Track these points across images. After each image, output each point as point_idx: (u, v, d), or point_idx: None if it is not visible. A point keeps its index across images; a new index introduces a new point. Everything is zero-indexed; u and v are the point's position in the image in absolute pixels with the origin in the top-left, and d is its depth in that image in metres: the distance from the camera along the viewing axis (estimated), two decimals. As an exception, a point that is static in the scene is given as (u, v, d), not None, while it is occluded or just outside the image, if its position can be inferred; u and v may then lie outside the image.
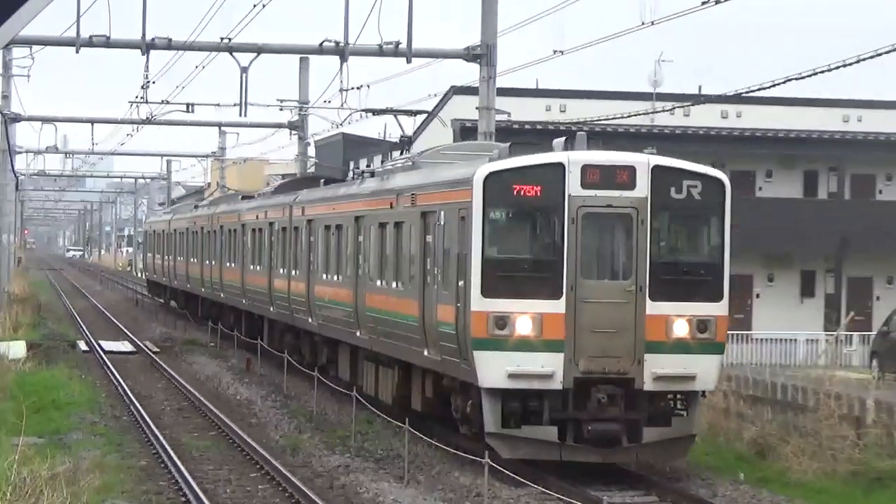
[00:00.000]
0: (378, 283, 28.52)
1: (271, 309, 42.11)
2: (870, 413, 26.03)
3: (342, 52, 38.39)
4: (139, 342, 56.30)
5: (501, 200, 22.30)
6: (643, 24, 35.29)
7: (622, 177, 22.46)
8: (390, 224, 27.88)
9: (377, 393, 30.17)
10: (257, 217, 44.54)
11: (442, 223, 23.72)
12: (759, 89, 35.25)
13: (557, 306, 21.70)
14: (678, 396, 23.07)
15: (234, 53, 41.01)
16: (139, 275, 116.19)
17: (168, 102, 53.59)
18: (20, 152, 60.31)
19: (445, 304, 23.17)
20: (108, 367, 46.82)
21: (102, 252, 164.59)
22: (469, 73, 40.23)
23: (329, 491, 24.25)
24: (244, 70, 41.74)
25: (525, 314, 21.78)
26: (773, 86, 32.41)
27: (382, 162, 53.73)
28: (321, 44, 39.30)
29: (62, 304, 79.10)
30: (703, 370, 22.75)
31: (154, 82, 44.72)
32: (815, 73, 29.41)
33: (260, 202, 46.27)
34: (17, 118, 57.98)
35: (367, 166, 56.00)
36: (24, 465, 20.72)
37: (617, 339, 22.06)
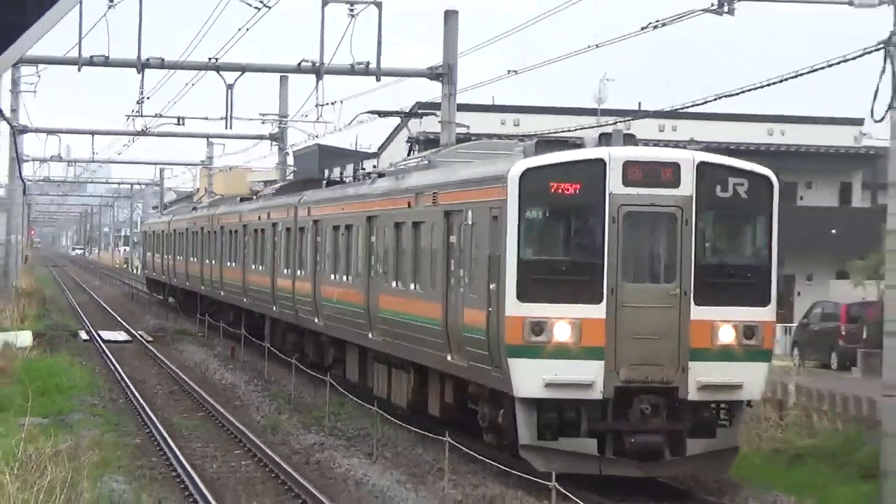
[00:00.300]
0: (393, 284, 26.36)
1: (274, 308, 40.06)
2: (791, 397, 27.39)
3: (318, 71, 39.68)
4: (134, 332, 57.45)
5: (538, 199, 19.91)
6: (589, 46, 36.04)
7: (666, 174, 20.42)
8: (407, 224, 25.71)
9: (390, 395, 27.98)
10: (259, 218, 42.40)
11: (469, 223, 21.41)
12: (692, 105, 35.84)
13: (597, 311, 19.55)
14: (722, 406, 21.09)
15: (221, 72, 42.45)
16: (134, 271, 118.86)
17: (161, 116, 55.46)
18: (27, 160, 63.87)
19: (474, 307, 20.90)
20: (107, 355, 47.73)
21: (102, 251, 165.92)
22: (433, 90, 42.33)
23: (305, 466, 24.99)
24: (230, 87, 43.31)
25: (563, 319, 19.58)
26: (706, 102, 32.43)
27: (355, 171, 51.35)
28: (299, 63, 40.60)
29: (65, 298, 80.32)
30: (750, 378, 20.72)
31: (148, 98, 46.77)
32: (744, 91, 29.99)
33: (262, 203, 44.30)
34: (24, 130, 60.37)
35: (340, 174, 56.45)
36: (29, 443, 21.37)
37: (660, 345, 20.09)
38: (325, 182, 38.70)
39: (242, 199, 52.90)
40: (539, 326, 19.46)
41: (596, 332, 19.46)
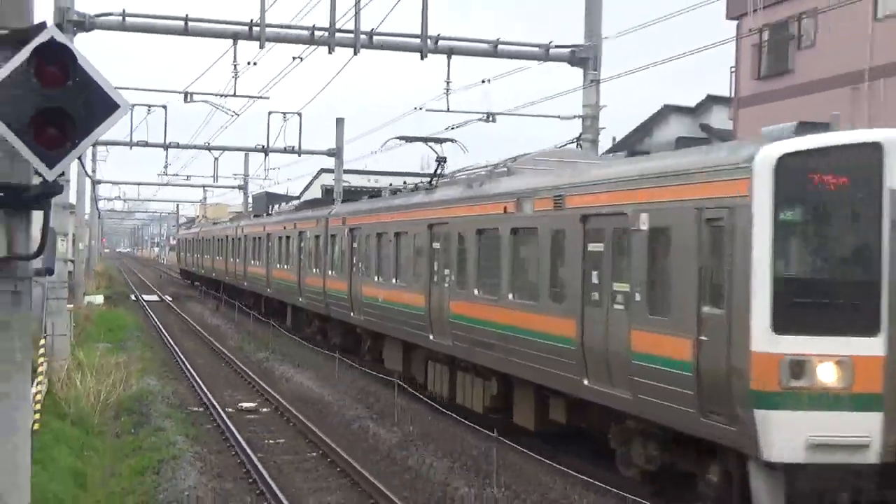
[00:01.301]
0: (475, 291, 20.01)
1: (300, 299, 36.83)
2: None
3: (265, 151, 50.10)
4: (162, 296, 67.85)
5: (796, 195, 12.62)
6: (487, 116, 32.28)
7: None
8: (500, 231, 19.19)
9: (454, 397, 22.12)
10: (284, 227, 40.06)
11: (643, 228, 14.07)
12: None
13: (873, 346, 12.53)
14: None
15: (212, 150, 53.52)
16: (164, 262, 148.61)
17: (177, 175, 71.28)
18: (101, 199, 78.33)
19: (661, 332, 13.87)
20: (146, 309, 55.72)
21: (143, 251, 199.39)
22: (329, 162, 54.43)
23: (258, 369, 30.52)
24: (216, 159, 57.66)
25: (829, 357, 12.52)
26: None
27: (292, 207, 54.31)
28: (255, 147, 51.28)
29: (122, 277, 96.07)
30: None
31: (170, 164, 61.41)
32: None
33: (284, 217, 42.80)
34: (99, 181, 77.84)
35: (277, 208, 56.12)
36: (102, 358, 25.46)
37: None
38: (366, 196, 35.51)
39: (256, 216, 55.43)
40: (800, 367, 12.44)
41: (872, 373, 12.46)
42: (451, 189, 23.47)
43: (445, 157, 26.55)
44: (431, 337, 22.35)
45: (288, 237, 38.89)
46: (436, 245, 22.75)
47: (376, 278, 26.91)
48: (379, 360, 27.93)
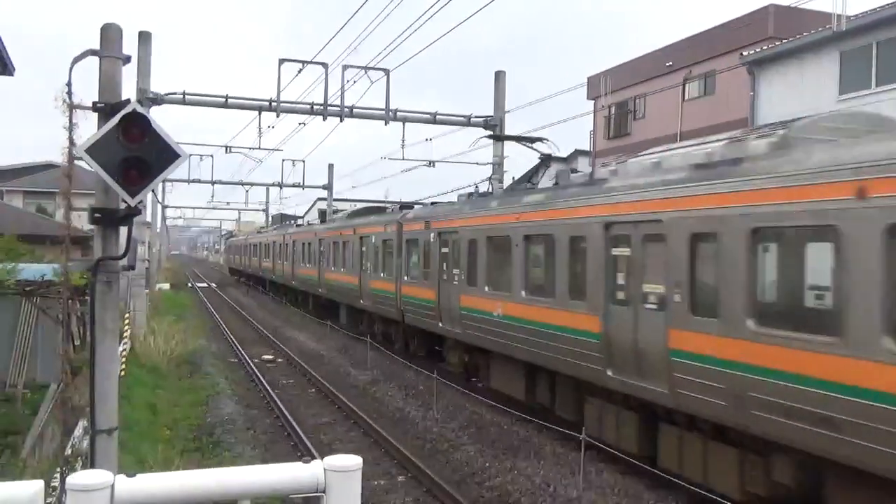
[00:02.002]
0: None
1: (362, 301, 25.36)
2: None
3: (280, 185, 46.49)
4: (209, 283, 67.81)
5: None
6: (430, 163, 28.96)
7: None
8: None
9: (559, 408, 13.51)
10: (341, 233, 28.81)
11: None
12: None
13: None
14: None
15: (243, 185, 49.86)
16: (210, 261, 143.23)
17: (220, 202, 65.93)
18: (168, 218, 78.41)
19: None
20: (198, 292, 55.23)
21: (197, 254, 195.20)
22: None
23: (273, 333, 29.31)
24: (246, 191, 53.02)
25: None
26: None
27: (295, 223, 49.37)
28: (273, 183, 47.37)
29: (182, 270, 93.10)
30: None
31: (215, 194, 68.28)
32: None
33: (338, 224, 31.03)
34: (167, 206, 72.73)
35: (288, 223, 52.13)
36: (168, 326, 25.44)
37: None
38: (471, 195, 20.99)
39: (298, 225, 46.29)
40: None
41: None
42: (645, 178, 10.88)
43: (550, 155, 18.36)
44: (610, 373, 11.09)
45: (345, 242, 28.44)
46: (624, 251, 11.15)
47: (487, 288, 15.64)
48: (475, 375, 17.51)
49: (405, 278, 21.29)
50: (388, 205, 36.76)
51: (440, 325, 18.51)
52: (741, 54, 26.54)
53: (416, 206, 24.08)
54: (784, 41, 25.11)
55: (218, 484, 2.40)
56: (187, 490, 2.40)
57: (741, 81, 26.84)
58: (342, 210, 37.98)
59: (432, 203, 23.38)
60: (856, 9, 50.40)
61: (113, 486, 2.38)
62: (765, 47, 25.81)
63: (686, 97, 31.42)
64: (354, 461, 2.63)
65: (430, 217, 19.96)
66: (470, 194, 21.01)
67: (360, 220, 28.05)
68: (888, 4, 21.59)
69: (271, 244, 48.15)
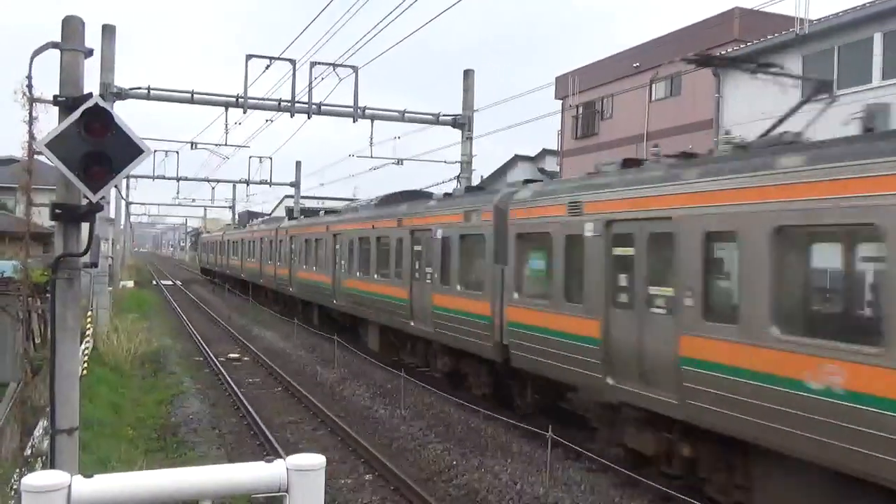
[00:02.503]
0: None
1: (411, 323, 17.44)
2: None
3: (247, 182, 47.37)
4: (174, 281, 65.87)
5: None
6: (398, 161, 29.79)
7: None
8: None
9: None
10: (375, 225, 20.32)
11: None
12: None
13: None
14: None
15: (209, 182, 51.10)
16: (176, 258, 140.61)
17: (185, 198, 68.39)
18: (132, 215, 78.56)
19: None
20: (163, 290, 53.99)
21: (162, 251, 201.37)
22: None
23: (242, 333, 28.65)
24: (213, 188, 60.76)
25: None
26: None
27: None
28: (239, 179, 48.35)
29: (146, 267, 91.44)
30: None
31: (180, 191, 63.52)
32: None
33: (371, 213, 21.75)
34: (131, 203, 71.61)
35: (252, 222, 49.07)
36: (132, 324, 24.69)
37: None
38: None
39: (290, 219, 35.30)
40: None
41: None
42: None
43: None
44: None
45: (384, 238, 19.56)
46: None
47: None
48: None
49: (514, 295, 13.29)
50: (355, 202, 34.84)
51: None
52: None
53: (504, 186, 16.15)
54: (749, 44, 25.29)
55: (177, 484, 2.38)
56: (146, 491, 2.36)
57: (707, 83, 27.01)
58: (312, 209, 36.39)
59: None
60: (819, 13, 51.28)
61: (70, 486, 2.33)
62: (730, 49, 25.98)
63: (653, 98, 31.55)
64: (318, 460, 2.60)
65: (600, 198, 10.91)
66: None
67: (416, 206, 18.26)
68: (849, 10, 21.97)
69: (257, 241, 39.25)
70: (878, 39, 21.06)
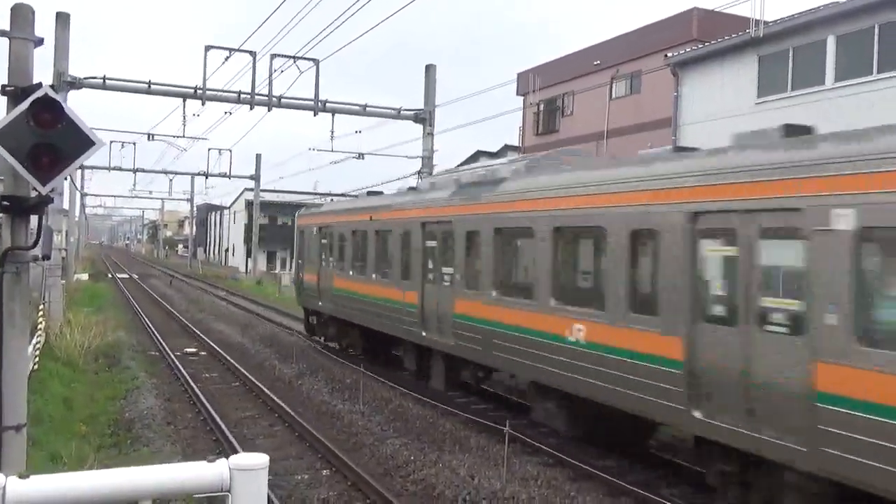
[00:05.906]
0: None
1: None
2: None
3: (206, 175, 46.91)
4: (130, 274, 63.89)
5: None
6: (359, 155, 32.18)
7: None
8: None
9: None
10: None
11: None
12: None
13: None
14: None
15: (167, 174, 51.97)
16: (132, 251, 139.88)
17: (142, 190, 67.95)
18: (87, 206, 75.52)
19: None
20: (119, 283, 52.67)
21: (118, 243, 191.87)
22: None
23: (196, 325, 28.70)
24: (171, 180, 56.79)
25: None
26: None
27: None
28: (198, 172, 48.09)
29: (102, 260, 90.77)
30: None
31: (137, 183, 66.58)
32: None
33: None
34: (86, 194, 69.94)
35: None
36: (86, 318, 24.02)
37: None
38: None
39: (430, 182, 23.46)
40: None
41: None
42: None
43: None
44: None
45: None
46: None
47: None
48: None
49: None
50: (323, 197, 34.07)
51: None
52: (665, 55, 27.08)
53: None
54: (707, 44, 25.71)
55: (115, 485, 2.33)
56: (83, 492, 2.31)
57: (666, 82, 27.36)
58: (272, 202, 34.93)
59: None
60: (776, 14, 52.06)
61: (4, 488, 2.28)
62: (688, 49, 26.45)
63: (613, 96, 31.81)
64: (260, 459, 2.58)
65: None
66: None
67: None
68: (804, 12, 22.39)
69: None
70: (831, 42, 21.53)
